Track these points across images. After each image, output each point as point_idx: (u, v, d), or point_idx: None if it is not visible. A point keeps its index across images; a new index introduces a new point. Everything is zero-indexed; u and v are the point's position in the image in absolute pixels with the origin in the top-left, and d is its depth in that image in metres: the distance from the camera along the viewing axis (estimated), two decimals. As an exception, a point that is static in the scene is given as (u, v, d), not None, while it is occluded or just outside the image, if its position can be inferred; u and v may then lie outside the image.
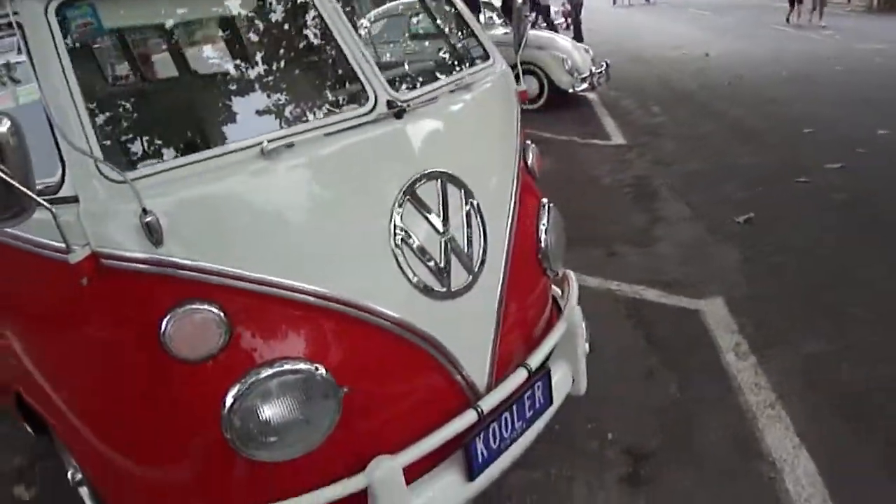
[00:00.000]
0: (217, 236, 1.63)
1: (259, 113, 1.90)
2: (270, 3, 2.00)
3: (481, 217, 1.99)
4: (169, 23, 2.15)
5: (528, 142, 2.43)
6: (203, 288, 1.60)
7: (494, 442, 1.94)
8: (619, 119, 8.17)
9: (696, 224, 4.72)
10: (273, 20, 1.87)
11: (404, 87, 2.00)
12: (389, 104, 1.84)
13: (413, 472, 1.80)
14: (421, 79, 2.17)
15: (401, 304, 1.80)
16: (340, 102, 1.87)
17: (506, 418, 1.97)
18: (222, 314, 1.60)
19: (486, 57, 2.42)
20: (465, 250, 1.93)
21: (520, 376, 2.05)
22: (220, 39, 2.33)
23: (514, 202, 2.16)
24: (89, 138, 1.54)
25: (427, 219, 1.85)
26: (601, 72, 8.73)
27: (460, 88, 2.13)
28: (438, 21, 2.64)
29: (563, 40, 9.21)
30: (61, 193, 1.56)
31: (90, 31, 1.65)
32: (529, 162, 2.39)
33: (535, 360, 2.12)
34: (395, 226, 1.79)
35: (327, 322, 1.71)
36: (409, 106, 1.88)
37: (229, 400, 1.58)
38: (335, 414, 1.68)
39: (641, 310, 3.62)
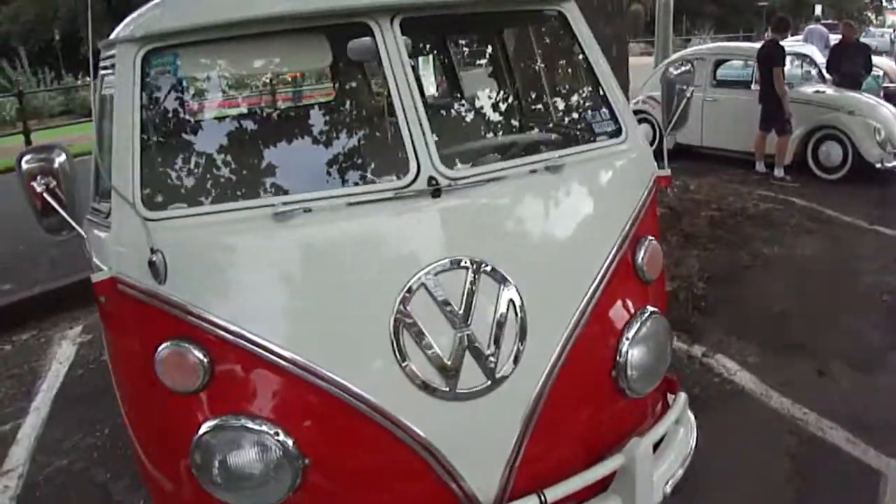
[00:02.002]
0: (216, 286, 1.71)
1: (293, 172, 1.94)
2: (342, 60, 2.01)
3: (523, 318, 1.77)
4: (238, 76, 2.30)
5: (650, 238, 2.09)
6: (194, 330, 1.69)
7: None
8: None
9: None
10: (338, 77, 1.91)
11: (464, 161, 1.86)
12: (430, 180, 1.74)
13: None
14: (502, 153, 2.01)
15: (390, 395, 1.69)
16: (380, 171, 1.81)
17: None
18: (206, 359, 1.68)
19: (616, 133, 2.15)
20: (487, 351, 1.73)
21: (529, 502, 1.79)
22: (277, 93, 2.44)
23: (589, 307, 1.89)
24: (134, 176, 1.73)
25: (442, 310, 1.70)
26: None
27: (548, 169, 1.91)
28: (559, 82, 2.40)
29: (884, 107, 7.80)
30: (109, 220, 1.78)
31: (165, 78, 1.85)
32: (638, 261, 2.06)
33: (556, 491, 1.81)
34: (399, 311, 1.68)
35: (305, 393, 1.69)
36: (453, 184, 1.76)
37: (197, 436, 1.66)
38: (291, 480, 1.66)
39: (813, 452, 2.94)
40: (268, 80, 2.90)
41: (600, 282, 1.92)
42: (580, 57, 2.19)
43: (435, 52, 2.13)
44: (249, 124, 2.29)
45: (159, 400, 1.76)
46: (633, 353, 1.95)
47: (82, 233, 1.69)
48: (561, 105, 2.25)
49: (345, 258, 1.72)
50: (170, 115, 1.93)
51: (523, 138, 2.13)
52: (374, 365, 1.69)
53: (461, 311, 1.70)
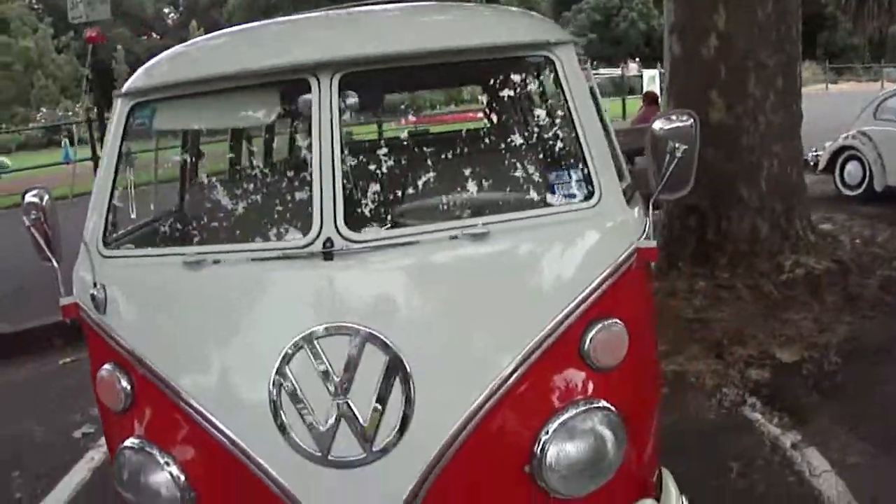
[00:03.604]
0: (139, 321, 1.91)
1: (218, 222, 2.02)
2: (294, 117, 2.05)
3: (409, 394, 1.69)
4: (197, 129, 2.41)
5: (612, 320, 1.85)
6: (122, 359, 1.89)
7: None
8: None
9: None
10: (278, 133, 1.95)
11: (379, 224, 1.82)
12: (326, 242, 1.73)
13: None
14: (436, 214, 1.93)
15: (268, 452, 1.72)
16: (291, 227, 1.83)
17: None
18: (129, 386, 1.89)
19: (587, 196, 1.94)
20: (365, 423, 1.68)
21: None
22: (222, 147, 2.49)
23: (500, 390, 1.74)
24: (102, 216, 1.97)
25: (319, 375, 1.68)
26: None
27: (475, 236, 1.78)
28: (532, 136, 2.17)
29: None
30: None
31: (141, 129, 2.07)
32: (585, 346, 1.84)
33: None
34: (279, 371, 1.70)
35: (199, 434, 1.78)
36: (348, 248, 1.73)
37: (117, 450, 1.86)
38: (182, 494, 1.77)
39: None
40: (214, 136, 3.10)
41: (519, 364, 1.76)
42: (563, 107, 2.00)
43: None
44: (194, 176, 2.46)
45: (103, 411, 2.01)
46: (554, 448, 1.75)
47: (54, 262, 1.95)
48: (528, 161, 2.06)
49: (241, 311, 1.79)
50: (136, 163, 2.15)
51: (460, 199, 1.97)
52: (255, 420, 1.72)
53: (338, 379, 1.68)
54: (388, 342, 1.69)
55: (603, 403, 1.82)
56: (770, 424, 3.40)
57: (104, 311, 1.90)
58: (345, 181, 1.78)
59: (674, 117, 1.94)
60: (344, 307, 1.71)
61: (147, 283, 1.91)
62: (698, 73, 5.36)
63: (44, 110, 37.33)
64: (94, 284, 1.88)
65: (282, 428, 1.70)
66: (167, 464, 1.78)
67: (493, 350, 1.78)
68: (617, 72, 27.13)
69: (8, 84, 49.48)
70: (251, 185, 2.02)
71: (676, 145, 1.90)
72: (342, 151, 1.80)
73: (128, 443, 1.84)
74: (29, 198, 2.00)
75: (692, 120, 1.94)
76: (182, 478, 1.77)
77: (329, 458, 1.69)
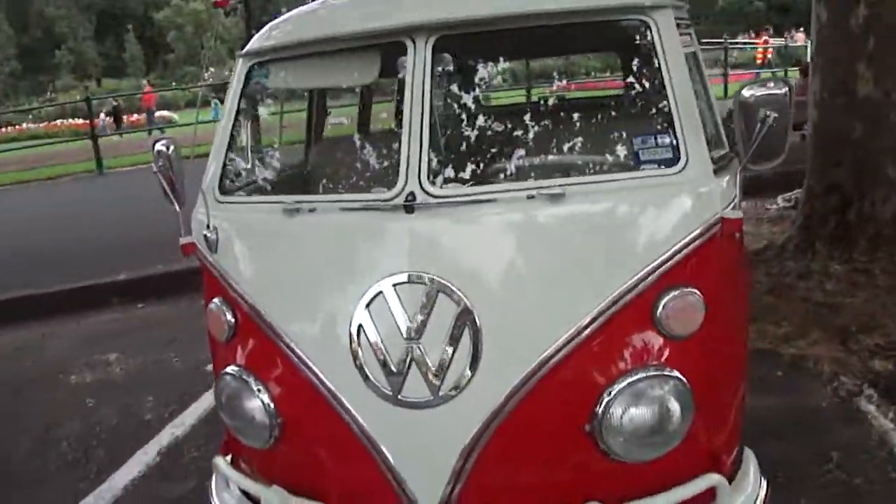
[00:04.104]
0: (243, 262, 2.10)
1: (318, 175, 2.16)
2: (385, 73, 2.12)
3: (477, 346, 1.77)
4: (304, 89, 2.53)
5: (689, 289, 1.82)
6: (227, 294, 2.11)
7: None
8: None
9: None
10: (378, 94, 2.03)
11: (461, 182, 1.88)
12: (408, 195, 1.83)
13: None
14: (520, 174, 1.96)
15: (345, 386, 1.85)
16: (382, 182, 1.94)
17: None
18: (232, 320, 2.10)
19: (671, 161, 1.91)
20: (434, 368, 1.77)
21: None
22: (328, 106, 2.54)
23: (564, 349, 1.77)
24: (218, 165, 2.19)
25: (396, 320, 1.79)
26: None
27: (552, 197, 1.81)
28: (623, 100, 2.12)
29: None
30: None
31: (259, 87, 2.27)
32: (658, 312, 1.83)
33: None
34: (361, 312, 1.82)
35: (286, 365, 1.95)
36: (430, 202, 1.82)
37: (218, 376, 2.10)
38: (269, 432, 1.96)
39: None
40: (325, 94, 3.20)
41: (587, 325, 1.78)
42: (657, 72, 1.96)
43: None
44: (296, 133, 2.59)
45: (211, 341, 2.25)
46: (615, 410, 1.76)
47: (177, 206, 2.19)
48: (614, 125, 2.03)
49: (329, 257, 1.94)
50: (250, 119, 2.35)
51: (542, 161, 1.98)
52: (337, 358, 1.86)
53: (413, 325, 1.78)
54: (459, 293, 1.77)
55: (671, 371, 1.81)
56: (884, 418, 3.17)
57: (215, 251, 2.12)
58: (432, 140, 1.87)
59: (767, 84, 1.87)
60: (421, 258, 1.80)
61: (252, 228, 2.11)
62: (845, 43, 4.95)
63: (212, 70, 40.22)
64: (208, 227, 2.10)
65: (360, 367, 1.83)
66: (259, 391, 1.97)
67: (562, 308, 1.81)
68: (780, 42, 25.20)
69: (180, 45, 53.90)
70: (350, 142, 2.16)
71: (767, 113, 1.81)
72: (431, 112, 1.89)
73: (228, 370, 2.05)
74: (158, 147, 2.24)
75: (786, 88, 1.86)
76: (272, 405, 1.96)
77: (399, 398, 1.79)
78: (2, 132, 26.84)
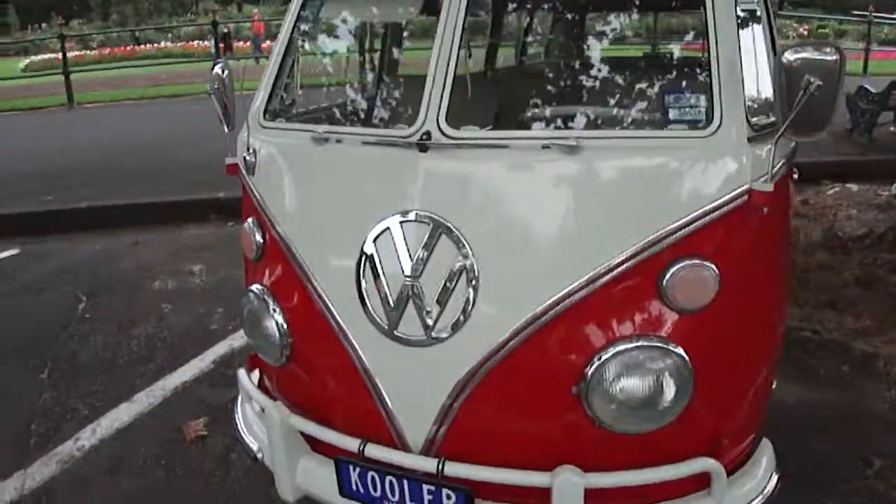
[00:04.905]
0: (273, 186, 2.17)
1: (351, 107, 2.17)
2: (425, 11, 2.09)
3: (474, 291, 1.76)
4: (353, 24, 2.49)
5: (702, 261, 1.73)
6: (259, 215, 2.21)
7: (374, 490, 1.89)
8: None
9: None
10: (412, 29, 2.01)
11: (478, 125, 1.85)
12: (423, 135, 1.83)
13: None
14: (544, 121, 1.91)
15: (349, 317, 1.90)
16: (405, 119, 1.95)
17: (391, 482, 1.86)
18: (261, 240, 2.20)
19: (703, 123, 1.81)
20: (429, 308, 1.79)
21: (426, 463, 1.80)
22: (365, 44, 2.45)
23: (558, 306, 1.73)
24: (266, 92, 2.27)
25: (399, 255, 1.82)
26: None
27: (568, 149, 1.75)
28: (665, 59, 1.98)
29: None
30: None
31: (312, 18, 2.32)
32: (664, 282, 1.74)
33: (460, 469, 1.77)
34: (367, 244, 1.86)
35: (300, 288, 2.02)
36: (443, 142, 1.81)
37: (245, 291, 2.21)
38: (280, 351, 2.06)
39: None
40: (367, 32, 3.14)
41: (587, 283, 1.73)
42: (703, 26, 1.82)
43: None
44: (335, 67, 2.57)
45: (244, 258, 2.36)
46: (604, 375, 1.71)
47: (226, 127, 2.28)
48: (651, 80, 1.91)
49: (346, 187, 1.98)
50: (299, 47, 2.38)
51: (565, 112, 1.90)
52: (344, 286, 1.91)
53: (413, 263, 1.79)
54: (461, 237, 1.77)
55: (673, 346, 1.73)
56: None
57: (253, 173, 2.21)
58: (454, 82, 1.85)
59: (816, 48, 1.68)
60: (428, 198, 1.81)
61: (284, 153, 2.17)
62: None
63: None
64: (248, 149, 2.19)
65: (362, 298, 1.88)
66: (275, 311, 2.06)
67: (563, 264, 1.77)
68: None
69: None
70: (384, 81, 2.18)
71: (812, 80, 1.63)
72: (458, 55, 1.86)
73: (252, 287, 2.16)
74: (215, 70, 2.33)
75: (838, 55, 1.67)
76: (285, 326, 2.05)
77: (395, 333, 1.83)
78: (141, 49, 28.22)
